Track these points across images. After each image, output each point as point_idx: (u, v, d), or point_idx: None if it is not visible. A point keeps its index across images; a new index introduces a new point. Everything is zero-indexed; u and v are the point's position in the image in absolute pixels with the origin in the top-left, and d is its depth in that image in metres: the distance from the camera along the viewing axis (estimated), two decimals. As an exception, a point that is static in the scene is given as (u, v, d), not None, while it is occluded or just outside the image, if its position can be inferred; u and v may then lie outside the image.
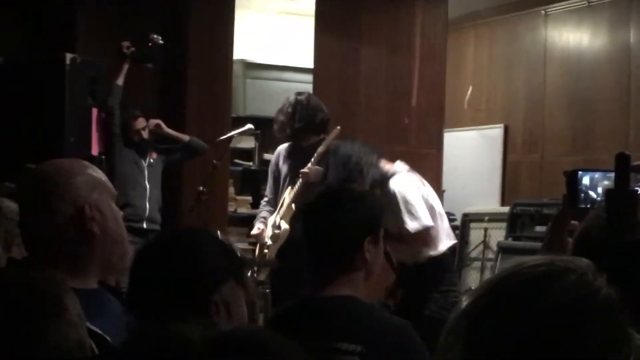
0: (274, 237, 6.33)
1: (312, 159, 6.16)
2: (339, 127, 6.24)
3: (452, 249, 5.74)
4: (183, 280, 2.07)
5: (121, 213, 2.54)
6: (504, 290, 1.30)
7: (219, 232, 2.23)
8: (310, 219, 3.08)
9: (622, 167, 1.59)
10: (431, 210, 5.51)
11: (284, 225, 6.33)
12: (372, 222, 3.04)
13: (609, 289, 1.28)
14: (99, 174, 2.50)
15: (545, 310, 1.25)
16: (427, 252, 5.43)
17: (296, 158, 6.42)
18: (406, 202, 5.43)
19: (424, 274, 5.42)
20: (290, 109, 6.37)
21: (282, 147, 6.66)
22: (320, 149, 6.15)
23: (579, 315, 1.25)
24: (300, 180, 6.22)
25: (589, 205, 2.33)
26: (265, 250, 6.35)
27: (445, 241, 5.56)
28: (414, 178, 5.66)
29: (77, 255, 2.39)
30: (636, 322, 1.29)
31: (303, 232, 3.09)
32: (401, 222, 5.36)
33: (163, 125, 7.58)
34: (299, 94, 6.56)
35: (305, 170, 6.17)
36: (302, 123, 6.33)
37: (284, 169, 6.51)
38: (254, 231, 6.51)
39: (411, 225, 5.37)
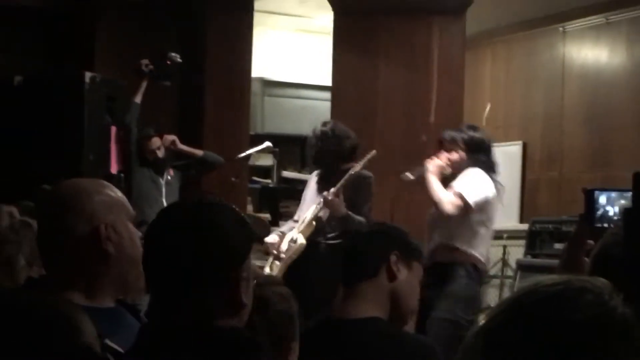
0: (288, 249, 6.34)
1: (340, 182, 6.14)
2: (375, 151, 6.24)
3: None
4: (211, 255, 2.06)
5: (139, 234, 2.55)
6: (521, 308, 1.30)
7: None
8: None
9: (639, 185, 1.59)
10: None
11: (301, 240, 6.34)
12: (394, 241, 3.08)
13: (625, 309, 1.29)
14: (117, 194, 2.51)
15: (561, 329, 1.25)
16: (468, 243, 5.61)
17: (326, 182, 6.45)
18: (476, 180, 5.65)
19: (456, 273, 5.54)
20: (316, 141, 6.40)
21: (316, 172, 6.69)
22: (353, 170, 6.15)
23: (595, 334, 1.25)
24: (320, 204, 6.21)
25: (605, 225, 2.32)
26: (277, 262, 6.34)
27: (485, 253, 5.80)
28: None
29: (93, 274, 2.40)
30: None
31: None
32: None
33: (177, 142, 7.58)
34: (323, 124, 6.56)
35: (327, 195, 6.13)
36: (329, 153, 6.35)
37: (313, 192, 6.53)
38: (269, 239, 6.51)
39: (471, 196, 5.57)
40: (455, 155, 5.74)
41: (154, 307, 2.10)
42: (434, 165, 5.78)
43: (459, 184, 5.65)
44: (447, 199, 5.61)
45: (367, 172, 6.36)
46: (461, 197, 5.58)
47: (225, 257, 2.07)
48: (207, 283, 2.04)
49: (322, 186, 6.43)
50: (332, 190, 6.08)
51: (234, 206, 2.22)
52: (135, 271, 2.46)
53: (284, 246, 6.38)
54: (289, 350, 2.56)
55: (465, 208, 5.57)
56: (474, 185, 5.64)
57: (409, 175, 5.96)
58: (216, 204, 2.16)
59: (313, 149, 6.44)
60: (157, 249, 2.10)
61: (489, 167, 5.79)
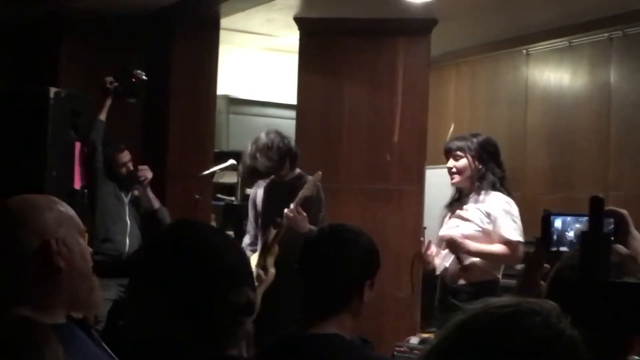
0: (259, 279, 6.29)
1: (295, 201, 6.12)
2: (320, 172, 6.20)
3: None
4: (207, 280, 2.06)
5: (90, 249, 2.56)
6: (470, 329, 1.32)
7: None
8: (315, 255, 3.07)
9: (596, 210, 1.62)
10: None
11: (271, 269, 6.31)
12: (374, 266, 3.07)
13: (573, 331, 1.31)
14: (67, 209, 2.52)
15: (510, 350, 1.27)
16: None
17: (276, 194, 6.42)
18: (512, 214, 5.69)
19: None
20: (267, 142, 6.36)
21: (260, 184, 6.67)
22: (302, 194, 6.13)
23: (542, 357, 1.27)
24: (285, 222, 6.19)
25: (561, 248, 2.35)
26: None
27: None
28: None
29: (44, 289, 2.41)
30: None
31: (302, 267, 3.08)
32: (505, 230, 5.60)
33: (148, 180, 7.53)
34: (267, 131, 6.53)
35: (288, 213, 6.11)
36: (281, 152, 6.33)
37: (260, 206, 6.51)
38: None
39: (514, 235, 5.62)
40: (462, 162, 5.69)
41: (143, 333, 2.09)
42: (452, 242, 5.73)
43: (498, 225, 5.65)
44: (501, 252, 5.69)
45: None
46: (509, 243, 5.64)
47: (210, 283, 2.07)
48: (193, 309, 2.05)
49: (273, 198, 6.40)
50: (291, 206, 6.07)
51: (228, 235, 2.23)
52: (86, 286, 2.47)
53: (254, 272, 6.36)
54: None
55: (517, 247, 5.66)
56: (509, 221, 5.68)
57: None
58: (208, 227, 2.18)
59: (262, 151, 6.36)
60: (146, 269, 2.11)
61: (502, 179, 5.78)
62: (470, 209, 5.66)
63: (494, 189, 5.68)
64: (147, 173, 7.51)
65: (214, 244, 2.10)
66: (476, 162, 5.65)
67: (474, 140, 5.70)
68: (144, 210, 7.55)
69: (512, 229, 5.62)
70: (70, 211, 2.53)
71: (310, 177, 6.21)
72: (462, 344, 1.31)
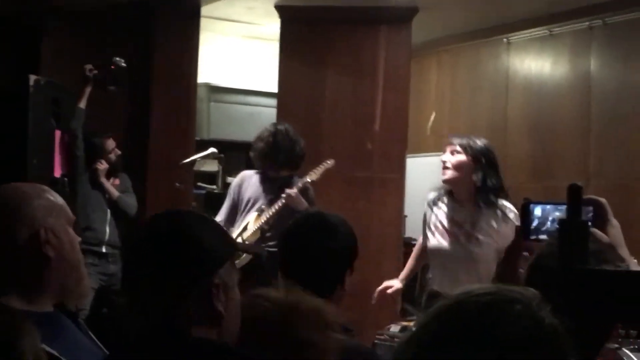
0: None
1: (298, 185, 6.16)
2: (333, 160, 6.23)
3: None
4: (185, 263, 2.08)
5: (79, 239, 2.55)
6: (451, 317, 1.33)
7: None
8: (294, 245, 3.07)
9: (574, 198, 1.63)
10: None
11: (243, 255, 6.32)
12: (354, 252, 3.08)
13: (553, 320, 1.31)
14: (57, 198, 2.51)
15: (490, 339, 1.27)
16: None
17: (264, 187, 6.44)
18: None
19: None
20: (270, 138, 6.41)
21: (247, 174, 6.67)
22: (308, 178, 6.16)
23: (524, 345, 1.28)
24: (282, 201, 6.21)
25: (540, 237, 2.37)
26: None
27: None
28: None
29: (33, 278, 2.41)
30: (583, 351, 1.32)
31: (283, 257, 3.07)
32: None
33: (101, 173, 7.51)
34: (278, 124, 6.61)
35: (291, 192, 6.14)
36: (283, 151, 6.36)
37: (247, 195, 6.51)
38: None
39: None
40: (460, 158, 5.30)
41: (132, 315, 2.10)
42: None
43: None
44: None
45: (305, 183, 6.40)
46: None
47: (195, 264, 2.08)
48: (180, 291, 2.06)
49: (261, 190, 6.42)
50: (294, 189, 6.11)
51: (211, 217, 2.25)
52: (75, 275, 2.47)
53: None
54: None
55: None
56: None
57: None
58: (192, 214, 2.19)
59: (265, 144, 6.42)
60: (133, 258, 2.14)
61: (500, 189, 5.37)
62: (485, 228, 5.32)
63: (497, 197, 5.32)
64: (99, 165, 7.50)
65: (199, 234, 2.12)
66: (473, 164, 5.30)
67: (478, 142, 5.39)
68: (108, 202, 7.54)
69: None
70: (60, 200, 2.52)
71: (319, 166, 6.26)
72: (442, 331, 1.31)
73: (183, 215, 2.19)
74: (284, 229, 3.20)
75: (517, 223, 5.14)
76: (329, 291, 2.97)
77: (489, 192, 5.24)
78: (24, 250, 2.38)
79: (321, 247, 2.97)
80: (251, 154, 6.60)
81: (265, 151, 6.45)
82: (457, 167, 5.28)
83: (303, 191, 6.31)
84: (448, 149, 5.36)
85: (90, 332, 2.57)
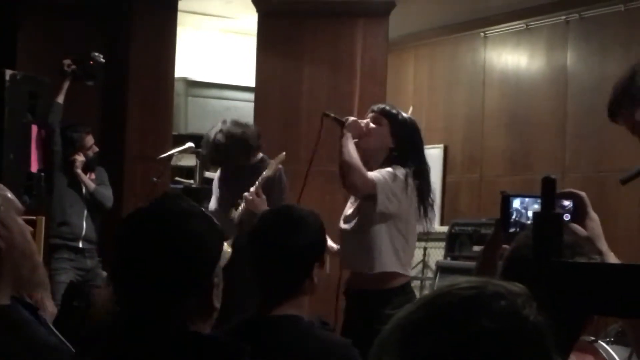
0: None
1: (257, 183, 6.06)
2: (284, 153, 6.15)
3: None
4: (188, 261, 2.08)
5: (30, 229, 2.54)
6: (436, 308, 1.33)
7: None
8: (261, 242, 3.07)
9: (548, 190, 1.63)
10: None
11: (226, 247, 6.32)
12: (322, 246, 3.09)
13: (538, 317, 1.32)
14: (2, 190, 2.50)
15: (472, 333, 1.28)
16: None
17: (237, 178, 6.40)
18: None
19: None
20: (217, 137, 6.34)
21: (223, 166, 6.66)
22: (266, 174, 6.07)
23: (505, 342, 1.28)
24: (243, 204, 6.15)
25: (519, 229, 2.38)
26: None
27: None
28: None
29: None
30: (558, 344, 1.33)
31: (251, 256, 3.08)
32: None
33: (77, 165, 7.48)
34: (219, 129, 6.49)
35: (248, 196, 6.04)
36: (236, 154, 6.32)
37: (223, 188, 6.50)
38: None
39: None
40: (377, 127, 5.14)
41: (129, 313, 2.09)
42: (354, 121, 5.19)
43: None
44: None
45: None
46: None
47: (201, 262, 2.08)
48: (185, 289, 2.06)
49: (234, 182, 6.39)
50: (252, 189, 6.00)
51: (203, 209, 2.24)
52: (29, 264, 2.46)
53: None
54: None
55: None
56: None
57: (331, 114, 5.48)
58: (188, 209, 2.18)
59: (216, 154, 6.37)
60: (132, 256, 2.11)
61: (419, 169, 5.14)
62: None
63: None
64: (77, 157, 7.47)
65: (200, 231, 2.12)
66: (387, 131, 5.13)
67: (397, 109, 5.25)
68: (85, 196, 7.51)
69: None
70: (7, 191, 2.51)
71: (272, 161, 6.17)
72: (426, 322, 1.32)
73: (180, 210, 2.17)
74: (252, 224, 3.22)
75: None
76: (297, 286, 2.98)
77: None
78: None
79: (287, 243, 2.98)
80: (204, 158, 6.56)
81: (215, 160, 6.43)
82: (373, 131, 5.18)
83: (268, 184, 6.18)
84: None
85: (51, 325, 2.56)
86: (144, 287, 2.07)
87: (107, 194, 7.54)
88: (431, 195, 5.21)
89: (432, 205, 5.23)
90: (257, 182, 6.00)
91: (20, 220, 2.49)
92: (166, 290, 2.05)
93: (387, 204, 4.95)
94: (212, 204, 6.60)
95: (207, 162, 6.45)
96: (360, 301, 5.02)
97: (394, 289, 5.01)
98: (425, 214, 5.17)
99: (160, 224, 2.12)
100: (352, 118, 5.27)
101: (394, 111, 5.20)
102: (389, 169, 4.98)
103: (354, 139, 5.10)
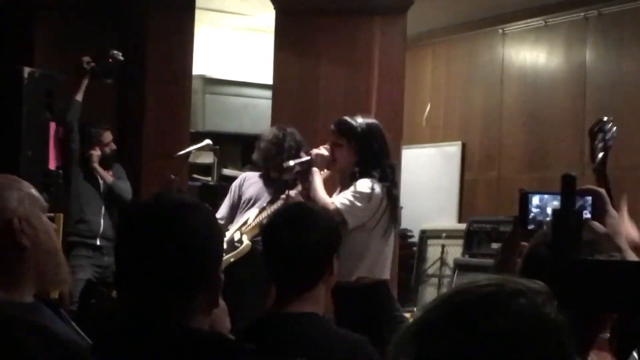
0: (231, 248, 6.34)
1: (299, 189, 6.04)
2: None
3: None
4: (196, 258, 2.07)
5: (54, 226, 2.55)
6: (454, 306, 1.32)
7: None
8: (274, 238, 3.07)
9: (568, 188, 1.62)
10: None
11: (246, 240, 6.35)
12: (336, 240, 3.09)
13: (559, 316, 1.30)
14: (28, 188, 2.50)
15: (490, 331, 1.26)
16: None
17: (266, 187, 6.46)
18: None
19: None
20: (277, 139, 6.41)
21: (249, 175, 6.71)
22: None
23: (524, 340, 1.26)
24: (282, 202, 6.11)
25: (537, 227, 2.36)
26: None
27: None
28: None
29: (10, 269, 2.40)
30: (577, 343, 1.31)
31: (267, 250, 3.08)
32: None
33: (94, 159, 7.47)
34: (286, 126, 6.60)
35: (292, 193, 5.99)
36: (289, 154, 6.34)
37: (247, 193, 6.53)
38: None
39: None
40: (338, 149, 5.27)
41: (137, 310, 2.08)
42: (318, 155, 5.35)
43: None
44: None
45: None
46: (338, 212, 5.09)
47: (209, 259, 2.08)
48: (196, 285, 2.05)
49: (264, 188, 6.45)
50: (295, 191, 6.02)
51: (207, 205, 2.24)
52: (53, 262, 2.46)
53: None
54: None
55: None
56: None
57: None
58: (194, 205, 2.17)
59: (270, 144, 6.42)
60: (140, 252, 2.08)
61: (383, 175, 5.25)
62: None
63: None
64: (93, 151, 7.46)
65: (207, 230, 2.11)
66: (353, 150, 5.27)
67: (358, 121, 5.34)
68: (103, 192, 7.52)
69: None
70: (32, 189, 2.51)
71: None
72: (445, 319, 1.31)
73: (185, 203, 2.15)
74: (265, 222, 3.22)
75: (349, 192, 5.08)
76: (313, 281, 2.98)
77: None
78: None
79: (300, 238, 2.97)
80: (255, 155, 6.59)
81: (272, 151, 6.44)
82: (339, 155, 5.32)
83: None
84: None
85: (72, 323, 2.56)
86: (152, 284, 2.06)
87: (125, 187, 7.54)
88: (394, 191, 5.33)
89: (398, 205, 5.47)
90: (301, 187, 5.92)
91: (44, 218, 2.49)
92: (177, 287, 2.04)
93: (358, 222, 5.12)
94: (222, 209, 6.61)
95: (265, 159, 6.43)
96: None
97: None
98: (395, 217, 5.37)
99: (167, 217, 2.10)
100: (314, 152, 5.45)
101: (348, 126, 5.28)
102: (352, 189, 5.13)
103: (325, 168, 5.34)
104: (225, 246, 6.31)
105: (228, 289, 2.18)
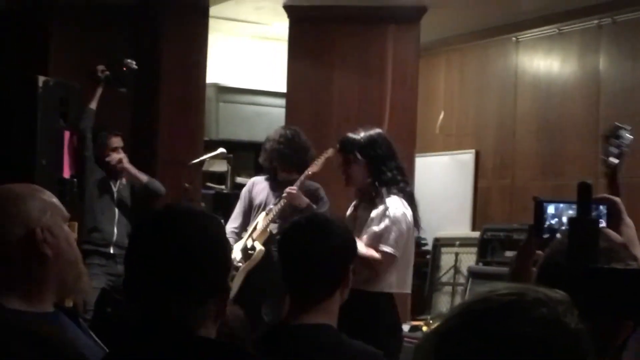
0: (245, 257, 6.35)
1: (300, 180, 6.17)
2: (332, 149, 6.14)
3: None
4: (211, 269, 2.07)
5: (75, 235, 2.55)
6: (473, 314, 1.31)
7: None
8: (290, 249, 3.06)
9: (584, 196, 1.62)
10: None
11: (259, 246, 6.35)
12: (352, 252, 3.09)
13: (579, 325, 1.30)
14: (50, 197, 2.51)
15: (511, 340, 1.26)
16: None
17: (274, 189, 6.48)
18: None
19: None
20: (285, 139, 6.45)
21: (257, 179, 6.72)
22: (311, 171, 6.16)
23: (544, 350, 1.26)
24: (283, 202, 6.23)
25: (552, 235, 2.36)
26: (234, 272, 6.34)
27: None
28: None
29: (31, 278, 2.40)
30: (595, 350, 1.31)
31: (283, 260, 3.08)
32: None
33: (125, 161, 7.49)
34: (291, 126, 6.67)
35: (292, 190, 6.15)
36: (296, 153, 6.38)
37: (257, 198, 6.55)
38: None
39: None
40: (347, 167, 5.34)
41: (146, 317, 2.08)
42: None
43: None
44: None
45: (313, 184, 6.41)
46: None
47: (216, 266, 2.08)
48: (203, 294, 2.05)
49: (270, 192, 6.47)
50: (293, 187, 6.12)
51: (215, 215, 2.25)
52: (74, 272, 2.47)
53: (237, 255, 6.37)
54: None
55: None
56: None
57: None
58: (202, 214, 2.18)
59: (274, 143, 6.46)
60: (147, 259, 2.08)
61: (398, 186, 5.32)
62: None
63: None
64: (115, 156, 7.47)
65: (218, 237, 2.12)
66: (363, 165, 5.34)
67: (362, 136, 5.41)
68: (137, 189, 7.54)
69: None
70: (53, 198, 2.52)
71: (320, 157, 6.24)
72: (465, 327, 1.30)
73: (193, 216, 2.16)
74: (281, 233, 3.21)
75: (386, 223, 5.08)
76: (327, 292, 2.97)
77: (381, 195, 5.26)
78: (21, 250, 2.38)
79: (316, 249, 2.97)
80: (262, 156, 6.61)
81: (280, 152, 6.47)
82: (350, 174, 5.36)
83: (312, 192, 6.32)
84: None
85: (91, 332, 2.57)
86: (158, 290, 2.06)
87: (157, 183, 7.56)
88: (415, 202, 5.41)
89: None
90: (300, 178, 6.10)
91: (66, 227, 2.50)
92: (184, 294, 2.05)
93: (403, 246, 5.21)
94: (236, 217, 6.63)
95: (274, 149, 6.47)
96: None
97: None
98: (417, 223, 5.37)
99: (174, 226, 2.11)
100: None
101: (350, 141, 5.33)
102: (387, 216, 5.14)
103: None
104: (240, 255, 6.33)
105: (248, 297, 2.19)
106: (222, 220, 7.76)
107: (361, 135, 5.36)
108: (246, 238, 6.42)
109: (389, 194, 5.20)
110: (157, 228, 2.12)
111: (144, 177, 7.52)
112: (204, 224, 2.11)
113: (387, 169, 5.28)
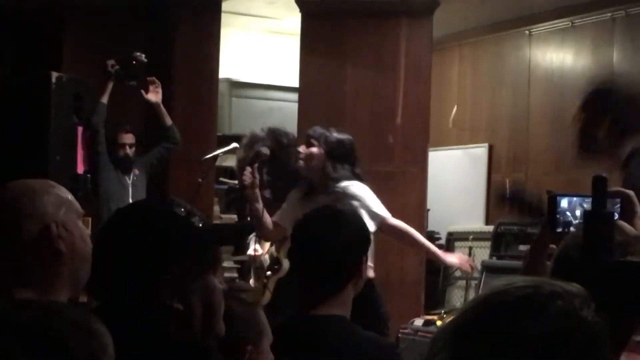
0: (272, 270, 6.34)
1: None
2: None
3: None
4: (140, 259, 2.08)
5: (89, 231, 2.56)
6: (491, 307, 1.31)
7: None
8: (303, 240, 3.07)
9: (599, 189, 1.62)
10: None
11: (285, 264, 6.30)
12: (365, 243, 3.09)
13: (596, 319, 1.29)
14: (65, 193, 2.51)
15: (527, 333, 1.26)
16: None
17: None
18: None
19: None
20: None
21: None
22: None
23: (561, 343, 1.26)
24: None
25: (567, 229, 2.35)
26: (265, 280, 6.32)
27: None
28: None
29: (46, 274, 2.40)
30: (611, 345, 1.31)
31: (297, 251, 3.08)
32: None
33: (159, 98, 7.53)
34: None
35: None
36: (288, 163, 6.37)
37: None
38: (250, 252, 6.56)
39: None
40: (312, 150, 5.58)
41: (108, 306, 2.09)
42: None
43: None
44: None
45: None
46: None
47: (158, 257, 2.08)
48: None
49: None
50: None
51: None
52: (87, 268, 2.47)
53: (266, 258, 6.41)
54: (245, 352, 2.57)
55: None
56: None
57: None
58: (161, 211, 2.19)
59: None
60: (105, 250, 2.14)
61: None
62: None
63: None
64: (154, 91, 7.50)
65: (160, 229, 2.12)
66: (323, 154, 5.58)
67: (332, 134, 5.69)
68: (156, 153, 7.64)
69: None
70: (68, 194, 2.52)
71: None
72: (481, 320, 1.30)
73: (150, 211, 2.20)
74: (294, 226, 3.21)
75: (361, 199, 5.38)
76: (341, 284, 2.97)
77: (337, 180, 5.48)
78: (35, 246, 2.38)
79: (329, 240, 2.97)
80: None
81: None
82: (308, 154, 5.57)
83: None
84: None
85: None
86: (140, 290, 2.07)
87: (177, 133, 7.60)
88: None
89: None
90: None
91: (80, 223, 2.50)
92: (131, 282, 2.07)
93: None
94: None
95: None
96: None
97: None
98: None
99: (132, 219, 2.15)
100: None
101: (320, 133, 5.63)
102: (364, 195, 5.60)
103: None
104: (268, 260, 6.37)
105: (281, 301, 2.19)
106: (236, 215, 7.74)
107: (333, 133, 5.62)
108: (275, 245, 6.43)
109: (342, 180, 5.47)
110: (116, 222, 2.19)
111: (168, 121, 7.57)
112: (152, 219, 2.13)
113: (343, 168, 5.51)
